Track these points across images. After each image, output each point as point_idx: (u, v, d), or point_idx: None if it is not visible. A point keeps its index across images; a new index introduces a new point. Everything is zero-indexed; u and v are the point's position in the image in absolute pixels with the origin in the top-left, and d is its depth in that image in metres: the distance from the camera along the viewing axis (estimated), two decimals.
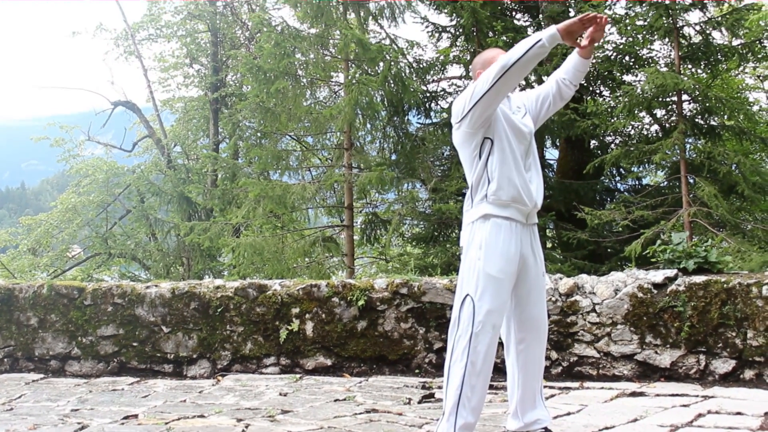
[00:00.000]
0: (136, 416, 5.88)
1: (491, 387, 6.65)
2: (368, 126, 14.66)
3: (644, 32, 12.75)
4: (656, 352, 6.76)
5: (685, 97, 12.29)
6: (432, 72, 14.99)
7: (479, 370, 4.34)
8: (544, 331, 4.70)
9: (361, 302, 7.54)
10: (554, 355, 7.04)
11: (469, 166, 4.58)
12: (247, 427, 5.36)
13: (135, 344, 8.04)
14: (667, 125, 13.46)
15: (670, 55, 13.57)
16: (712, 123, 12.67)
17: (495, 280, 4.35)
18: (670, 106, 12.82)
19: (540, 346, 4.68)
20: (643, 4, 12.29)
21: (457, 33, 14.59)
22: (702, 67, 13.24)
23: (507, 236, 4.42)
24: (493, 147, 4.46)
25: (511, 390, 4.78)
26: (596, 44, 4.65)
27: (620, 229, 12.42)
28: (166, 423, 5.52)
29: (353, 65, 14.40)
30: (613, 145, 14.86)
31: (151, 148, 27.62)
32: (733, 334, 6.54)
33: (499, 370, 7.11)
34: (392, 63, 13.58)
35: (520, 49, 4.26)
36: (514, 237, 4.45)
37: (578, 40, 4.52)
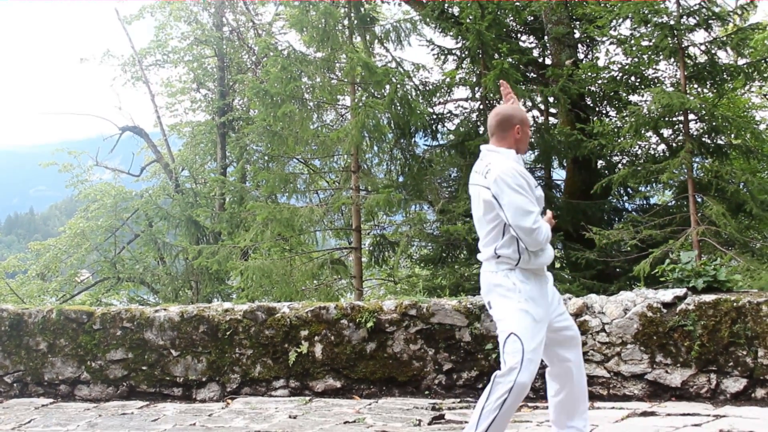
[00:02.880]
0: None
1: None
2: (375, 148, 14.68)
3: (649, 53, 12.76)
4: (667, 372, 6.74)
5: (691, 116, 12.29)
6: (438, 94, 15.04)
7: (516, 404, 4.42)
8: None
9: (369, 324, 7.54)
10: None
11: (488, 226, 4.73)
12: None
13: (144, 368, 8.04)
14: (674, 145, 13.45)
15: (675, 75, 13.58)
16: (719, 142, 12.66)
17: (537, 323, 4.54)
18: (676, 126, 12.81)
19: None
20: (648, 25, 12.31)
21: (463, 55, 14.64)
22: (708, 86, 13.23)
23: (536, 281, 4.66)
24: None
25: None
26: None
27: (629, 248, 12.38)
28: None
29: (360, 88, 14.45)
30: (620, 165, 14.86)
31: (159, 173, 27.69)
32: (744, 352, 6.53)
33: None
34: (398, 86, 13.63)
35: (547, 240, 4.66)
36: (543, 280, 4.72)
37: None
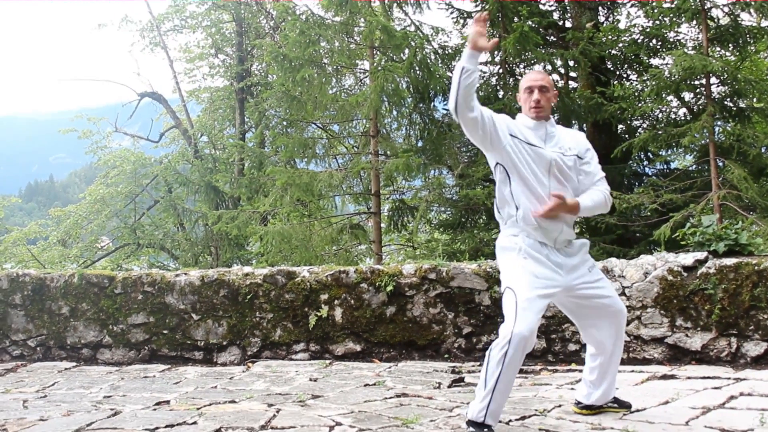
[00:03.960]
0: (168, 402, 5.93)
1: (522, 371, 6.66)
2: (394, 113, 14.63)
3: (671, 15, 12.62)
4: (687, 335, 6.73)
5: (713, 79, 12.17)
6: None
7: (519, 355, 4.38)
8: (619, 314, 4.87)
9: (389, 288, 7.55)
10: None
11: (495, 177, 4.82)
12: (278, 412, 5.39)
13: (165, 332, 8.10)
14: (696, 108, 13.34)
15: (697, 37, 13.44)
16: (741, 105, 12.55)
17: (535, 277, 4.52)
18: (698, 89, 12.70)
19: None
20: None
21: None
22: (730, 49, 13.11)
23: (541, 247, 4.66)
24: (514, 176, 4.68)
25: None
26: None
27: (649, 213, 12.33)
28: (198, 408, 5.56)
29: (378, 52, 14.37)
30: (640, 129, 14.75)
31: (178, 139, 27.73)
32: (765, 316, 6.50)
33: (530, 355, 7.11)
34: (417, 49, 13.54)
35: (454, 86, 4.51)
36: (546, 250, 4.68)
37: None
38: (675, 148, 13.42)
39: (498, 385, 4.37)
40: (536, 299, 4.45)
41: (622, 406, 5.07)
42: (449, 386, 6.27)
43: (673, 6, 12.38)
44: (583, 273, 4.75)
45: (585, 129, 14.92)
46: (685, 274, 6.80)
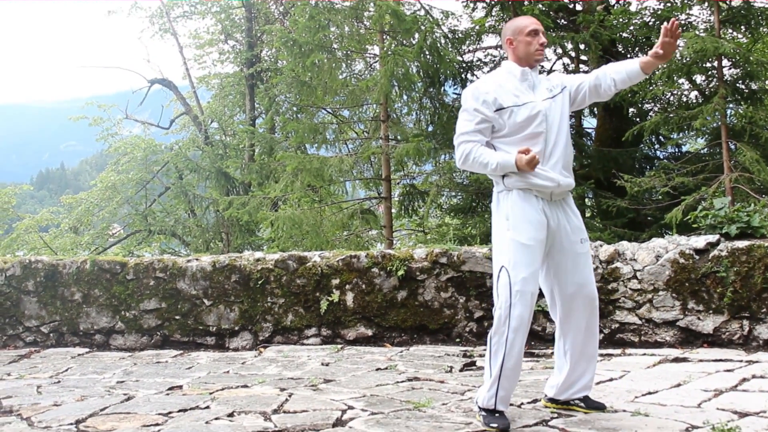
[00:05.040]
0: (180, 387, 5.95)
1: (533, 354, 6.67)
2: (404, 97, 14.58)
3: None
4: (699, 318, 6.72)
5: (725, 61, 12.09)
6: (468, 42, 14.87)
7: (520, 339, 4.34)
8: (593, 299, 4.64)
9: (400, 272, 7.56)
10: None
11: None
12: (290, 396, 5.40)
13: (177, 317, 8.13)
14: (707, 91, 13.26)
15: (709, 19, 13.36)
16: (754, 87, 12.46)
17: (526, 248, 4.34)
18: (709, 72, 12.62)
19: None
20: None
21: (492, 2, 14.45)
22: (742, 31, 13.01)
23: (534, 203, 4.44)
24: (501, 139, 4.51)
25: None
26: (660, 62, 4.50)
27: (660, 196, 12.27)
28: (211, 393, 5.58)
29: (388, 37, 14.33)
30: (652, 112, 14.67)
31: (189, 125, 27.75)
32: None
33: (541, 338, 7.13)
34: (427, 34, 13.49)
35: (483, 167, 4.51)
36: (540, 205, 4.46)
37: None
38: (686, 131, 13.33)
39: (503, 371, 4.32)
40: (531, 277, 4.33)
41: (592, 407, 4.67)
42: (461, 370, 6.28)
43: None
44: (575, 241, 4.54)
45: (596, 113, 14.89)
46: (697, 257, 6.78)
